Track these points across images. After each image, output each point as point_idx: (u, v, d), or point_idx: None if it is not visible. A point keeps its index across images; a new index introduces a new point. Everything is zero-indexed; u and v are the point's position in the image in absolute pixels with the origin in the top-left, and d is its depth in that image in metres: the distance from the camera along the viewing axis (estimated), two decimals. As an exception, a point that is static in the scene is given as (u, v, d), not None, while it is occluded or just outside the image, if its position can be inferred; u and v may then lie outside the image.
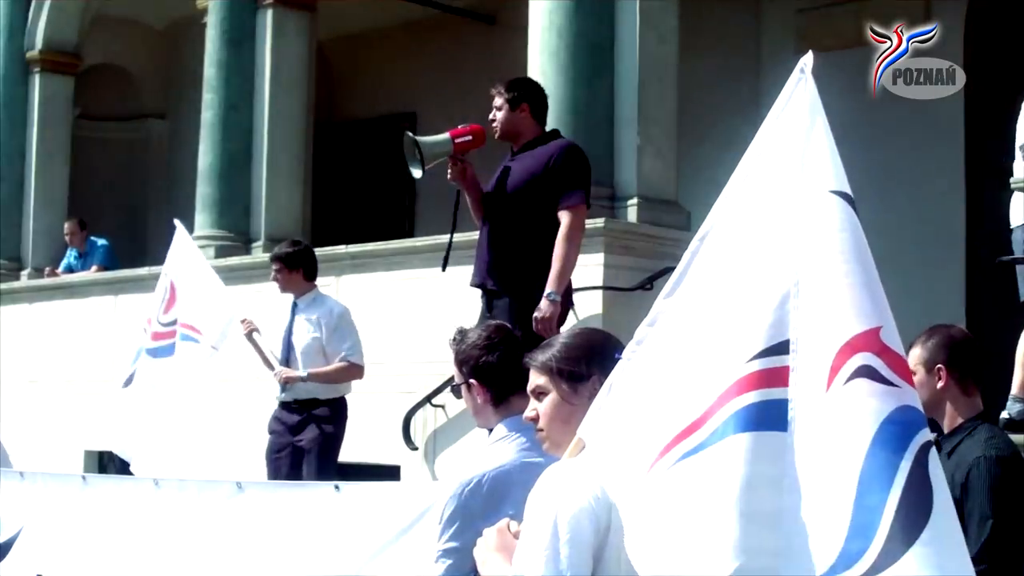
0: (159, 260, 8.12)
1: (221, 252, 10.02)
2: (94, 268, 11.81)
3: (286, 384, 6.84)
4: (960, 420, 3.71)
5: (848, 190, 2.26)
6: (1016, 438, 4.31)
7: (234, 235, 10.21)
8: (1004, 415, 5.86)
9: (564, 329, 5.46)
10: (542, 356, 2.70)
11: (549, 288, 5.62)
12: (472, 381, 3.32)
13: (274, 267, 7.07)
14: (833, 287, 2.18)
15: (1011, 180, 9.73)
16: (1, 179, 12.53)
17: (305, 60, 10.58)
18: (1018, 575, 3.53)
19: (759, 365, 2.17)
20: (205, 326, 7.20)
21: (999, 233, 8.31)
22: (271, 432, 6.99)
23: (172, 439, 7.13)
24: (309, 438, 6.80)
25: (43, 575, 5.69)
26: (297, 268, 6.99)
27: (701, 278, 2.26)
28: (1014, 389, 5.95)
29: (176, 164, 13.55)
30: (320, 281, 7.35)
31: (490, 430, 3.40)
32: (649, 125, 7.74)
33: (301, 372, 6.81)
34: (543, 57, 7.76)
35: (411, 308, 8.39)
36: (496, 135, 6.02)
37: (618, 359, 2.37)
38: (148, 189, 14.39)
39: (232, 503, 5.33)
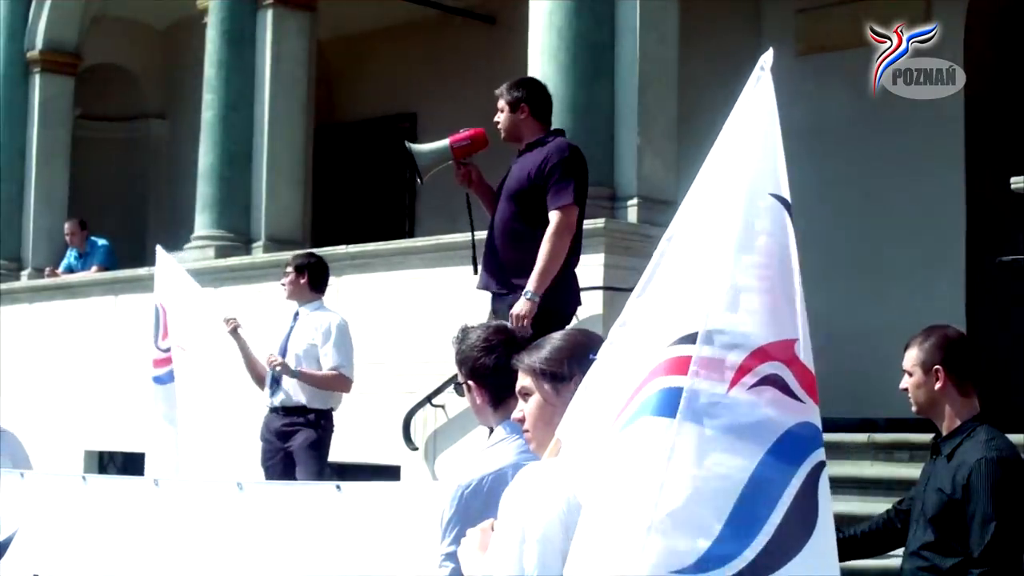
0: (159, 260, 8.12)
1: (221, 252, 10.03)
2: (94, 268, 11.81)
3: (275, 369, 6.84)
4: (959, 421, 3.70)
5: (787, 195, 2.23)
6: (1016, 439, 4.31)
7: (234, 235, 10.21)
8: None
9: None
10: (527, 358, 2.71)
11: (528, 286, 5.58)
12: (470, 382, 3.32)
13: (285, 270, 7.16)
14: (755, 291, 2.16)
15: (1011, 180, 9.71)
16: (1, 179, 12.51)
17: (305, 60, 10.58)
18: (1019, 576, 3.54)
19: (675, 352, 2.13)
20: (194, 338, 7.34)
21: (999, 233, 8.30)
22: (262, 439, 7.02)
23: (196, 447, 7.27)
24: (296, 444, 6.83)
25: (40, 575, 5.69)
26: (304, 275, 7.02)
27: (666, 278, 2.25)
28: None
29: (176, 164, 13.54)
30: (320, 281, 7.36)
31: (491, 430, 3.40)
32: (649, 125, 7.74)
33: (292, 365, 6.83)
34: (543, 58, 7.76)
35: (411, 308, 8.39)
36: (502, 137, 6.03)
37: (592, 359, 2.36)
38: (148, 189, 14.38)
39: (232, 503, 5.33)
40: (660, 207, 7.58)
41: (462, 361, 3.34)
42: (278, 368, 6.83)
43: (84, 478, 6.65)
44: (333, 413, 6.99)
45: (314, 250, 8.03)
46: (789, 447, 2.11)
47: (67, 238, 12.15)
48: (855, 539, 4.02)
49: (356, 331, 7.20)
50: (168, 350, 7.45)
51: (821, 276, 9.38)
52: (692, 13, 8.34)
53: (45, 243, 12.49)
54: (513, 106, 5.91)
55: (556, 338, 2.76)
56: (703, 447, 2.07)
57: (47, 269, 12.12)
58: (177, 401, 7.33)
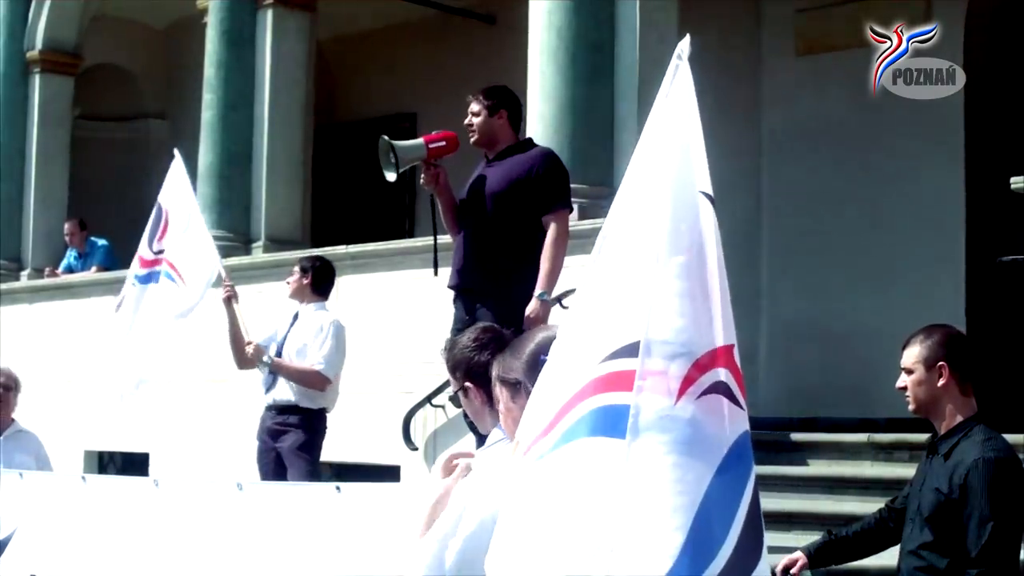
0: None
1: (221, 252, 9.94)
2: (94, 268, 11.81)
3: (250, 353, 6.81)
4: (959, 419, 3.70)
5: (711, 191, 2.17)
6: (1013, 439, 4.31)
7: (234, 235, 10.21)
8: None
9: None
10: (493, 367, 2.78)
11: (539, 288, 5.62)
12: (468, 384, 3.31)
13: (292, 270, 7.14)
14: (688, 295, 2.08)
15: (1011, 180, 9.71)
16: (1, 179, 12.53)
17: (305, 60, 10.59)
18: (1017, 576, 3.54)
19: (609, 368, 2.06)
20: (187, 274, 7.20)
21: (999, 233, 8.30)
22: (258, 438, 7.01)
23: (145, 364, 7.26)
24: (286, 447, 6.81)
25: (37, 575, 5.68)
26: (308, 276, 7.01)
27: (595, 290, 2.18)
28: None
29: (176, 164, 13.53)
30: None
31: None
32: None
33: (270, 353, 6.80)
34: (543, 57, 7.76)
35: (411, 308, 8.39)
36: (472, 141, 6.01)
37: (543, 361, 2.32)
38: (148, 189, 14.34)
39: (232, 503, 5.32)
40: (660, 207, 7.57)
41: (456, 365, 3.33)
42: (251, 351, 6.81)
43: (83, 478, 6.64)
44: (327, 414, 6.95)
45: (315, 250, 8.04)
46: (743, 455, 2.06)
47: (67, 238, 12.16)
48: (847, 540, 4.01)
49: (356, 331, 7.20)
50: (160, 252, 7.29)
51: (820, 276, 9.41)
52: (692, 13, 8.34)
53: (45, 243, 12.50)
54: (492, 110, 5.93)
55: (516, 344, 2.79)
56: (657, 465, 2.00)
57: (47, 269, 12.13)
58: (149, 306, 7.21)
